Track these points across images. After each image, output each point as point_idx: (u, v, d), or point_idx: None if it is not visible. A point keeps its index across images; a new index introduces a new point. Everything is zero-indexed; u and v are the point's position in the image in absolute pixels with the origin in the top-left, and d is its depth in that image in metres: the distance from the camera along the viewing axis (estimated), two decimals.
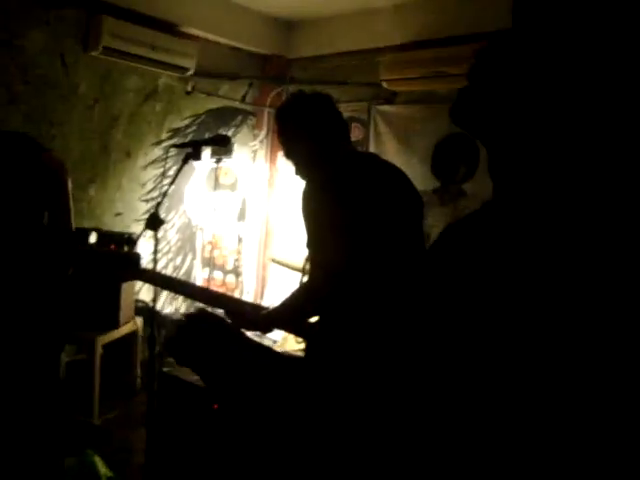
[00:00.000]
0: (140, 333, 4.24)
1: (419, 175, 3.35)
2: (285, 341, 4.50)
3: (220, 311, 2.19)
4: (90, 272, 3.61)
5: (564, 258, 0.67)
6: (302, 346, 2.50)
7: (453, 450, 0.71)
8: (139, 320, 4.24)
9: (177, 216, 5.10)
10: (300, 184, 2.17)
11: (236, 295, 5.23)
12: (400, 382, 0.78)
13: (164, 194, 2.55)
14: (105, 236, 3.88)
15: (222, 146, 2.78)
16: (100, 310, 3.84)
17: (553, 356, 0.65)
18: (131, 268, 2.08)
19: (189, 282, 4.43)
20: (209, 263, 5.23)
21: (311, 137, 1.99)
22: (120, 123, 4.56)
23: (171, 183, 2.54)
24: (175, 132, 4.97)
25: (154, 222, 2.42)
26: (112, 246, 3.82)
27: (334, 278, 1.91)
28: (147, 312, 4.25)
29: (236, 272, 5.47)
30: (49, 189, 2.79)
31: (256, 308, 2.34)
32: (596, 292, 0.64)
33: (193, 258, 5.29)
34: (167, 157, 4.57)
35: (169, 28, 4.58)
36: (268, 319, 2.21)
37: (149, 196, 4.80)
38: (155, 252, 2.51)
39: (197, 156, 2.46)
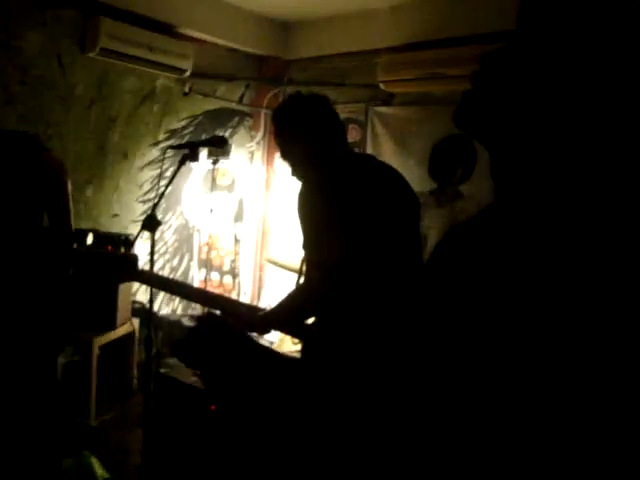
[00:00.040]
0: (137, 334, 4.23)
1: (416, 176, 3.36)
2: (282, 342, 4.50)
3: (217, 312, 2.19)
4: (87, 273, 3.61)
5: (565, 260, 0.67)
6: (299, 347, 2.50)
7: (453, 450, 0.71)
8: (136, 321, 4.23)
9: (174, 217, 5.10)
10: (297, 185, 2.17)
11: (233, 296, 5.23)
12: (400, 382, 0.79)
13: (161, 195, 2.55)
14: (102, 237, 3.87)
15: (219, 147, 2.78)
16: (97, 311, 3.83)
17: (556, 357, 0.65)
18: (128, 269, 2.08)
19: (186, 283, 4.44)
20: (206, 264, 5.23)
21: (307, 138, 1.99)
22: (117, 124, 4.56)
23: (168, 184, 2.54)
24: (172, 133, 4.97)
25: (151, 223, 2.42)
26: (109, 247, 3.82)
27: (330, 279, 1.91)
28: (144, 313, 4.25)
29: (233, 273, 5.47)
30: (49, 189, 2.79)
31: (253, 309, 2.34)
32: (600, 293, 0.65)
33: (190, 259, 5.28)
34: (164, 158, 4.56)
35: (166, 29, 4.58)
36: (265, 320, 2.21)
37: (146, 197, 4.80)
38: (152, 253, 2.50)
39: (194, 157, 2.46)
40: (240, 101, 5.48)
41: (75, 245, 3.13)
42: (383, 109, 4.85)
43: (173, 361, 3.72)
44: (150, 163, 4.81)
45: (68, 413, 3.54)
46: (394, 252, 1.82)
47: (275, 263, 4.93)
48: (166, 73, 4.68)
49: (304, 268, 2.20)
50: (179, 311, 5.15)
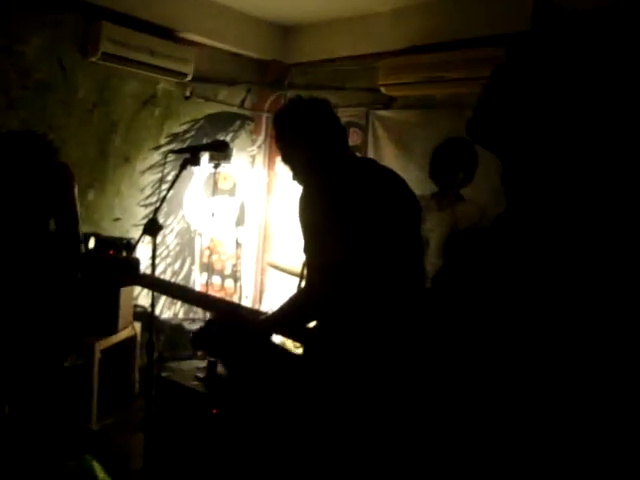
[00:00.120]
0: (138, 338, 4.23)
1: (417, 180, 3.35)
2: (283, 346, 4.50)
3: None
4: (89, 277, 3.61)
5: (576, 269, 0.68)
6: (300, 351, 2.50)
7: (453, 449, 0.71)
8: (137, 325, 4.24)
9: (176, 221, 5.10)
10: (298, 189, 2.17)
11: (234, 300, 5.23)
12: (400, 383, 0.79)
13: (163, 199, 2.55)
14: (104, 241, 3.88)
15: (220, 152, 2.79)
16: (99, 315, 3.83)
17: (559, 358, 0.65)
18: (130, 273, 2.08)
19: (187, 287, 4.43)
20: (207, 268, 5.23)
21: (308, 143, 1.99)
22: (119, 128, 4.57)
23: (169, 188, 2.55)
24: (174, 137, 4.98)
25: (152, 227, 2.42)
26: (111, 251, 3.82)
27: (331, 283, 1.91)
28: (146, 317, 4.25)
29: (234, 277, 5.47)
30: (57, 195, 2.81)
31: (254, 313, 2.34)
32: (613, 300, 0.65)
33: (192, 263, 5.28)
34: (166, 162, 4.57)
35: (167, 34, 4.59)
36: (266, 324, 2.21)
37: (148, 201, 4.81)
38: (153, 257, 2.51)
39: (195, 161, 2.46)
40: (241, 105, 5.48)
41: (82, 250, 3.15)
42: (384, 113, 4.86)
43: (174, 365, 3.72)
44: (152, 167, 4.81)
45: (70, 417, 3.54)
46: (395, 256, 1.82)
47: (276, 267, 4.93)
48: (167, 77, 4.69)
49: (305, 272, 2.20)
50: (181, 315, 5.15)
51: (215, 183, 5.05)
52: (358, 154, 4.47)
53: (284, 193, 5.46)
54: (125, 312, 4.02)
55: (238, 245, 5.49)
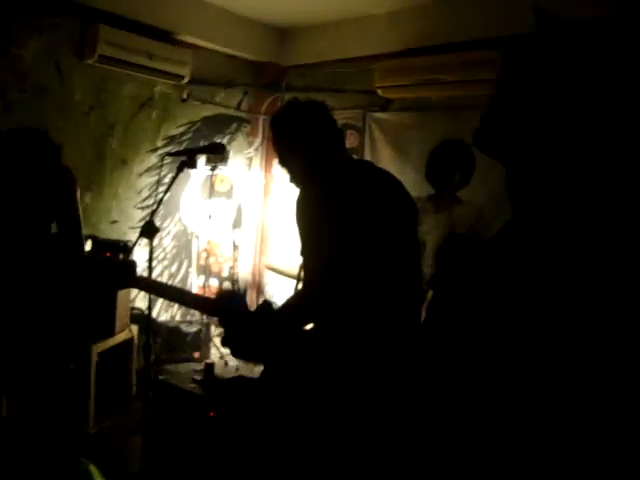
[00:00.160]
0: (136, 341, 4.22)
1: (414, 182, 3.36)
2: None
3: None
4: (86, 280, 3.61)
5: (585, 276, 0.68)
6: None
7: (453, 448, 0.71)
8: (135, 328, 4.23)
9: (173, 224, 5.10)
10: (295, 192, 2.18)
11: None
12: (400, 384, 0.79)
13: (159, 202, 2.56)
14: (101, 244, 3.88)
15: (217, 154, 2.79)
16: (96, 318, 3.83)
17: (561, 360, 0.66)
18: (127, 276, 2.08)
19: (185, 290, 4.43)
20: (205, 270, 5.23)
21: (305, 145, 2.00)
22: (116, 131, 4.57)
23: (166, 191, 2.55)
24: (171, 140, 4.98)
25: (149, 230, 2.42)
26: (107, 254, 3.82)
27: (329, 286, 1.91)
28: (143, 320, 4.25)
29: (232, 279, 5.47)
30: (60, 199, 2.81)
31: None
32: (623, 308, 0.65)
33: (189, 265, 5.28)
34: (163, 165, 4.56)
35: (164, 36, 4.59)
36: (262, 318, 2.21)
37: (145, 204, 4.81)
38: (150, 260, 2.51)
39: (192, 164, 2.47)
40: (238, 107, 5.49)
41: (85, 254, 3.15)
42: (381, 115, 4.86)
43: (172, 367, 3.72)
44: (149, 170, 4.81)
45: (67, 420, 3.53)
46: (392, 258, 1.82)
47: (274, 269, 4.93)
48: (164, 80, 4.69)
49: (302, 274, 2.20)
50: (178, 317, 5.15)
51: (212, 185, 5.06)
52: (355, 156, 4.48)
53: (281, 195, 5.46)
54: (122, 315, 4.01)
55: (235, 247, 5.49)
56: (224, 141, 5.32)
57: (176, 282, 5.14)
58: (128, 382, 4.24)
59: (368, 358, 0.91)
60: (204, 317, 4.81)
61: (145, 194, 4.81)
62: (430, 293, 2.54)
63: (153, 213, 2.46)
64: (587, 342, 0.65)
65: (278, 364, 1.05)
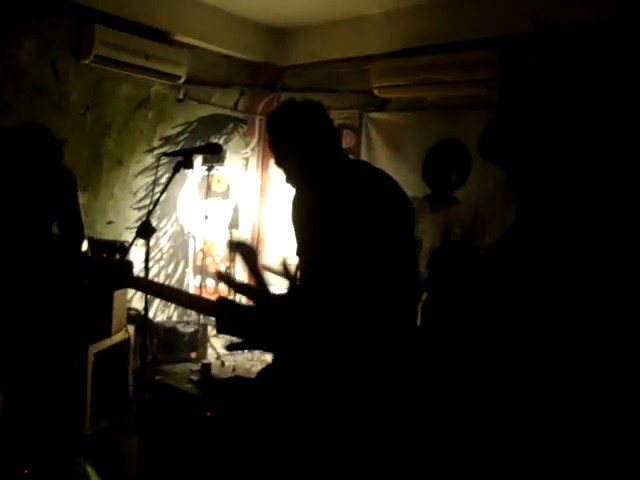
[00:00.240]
0: (132, 341, 4.22)
1: (410, 182, 3.36)
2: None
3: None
4: (89, 281, 3.60)
5: (591, 280, 0.69)
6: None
7: (453, 448, 0.72)
8: (131, 328, 4.22)
9: (169, 224, 5.09)
10: (291, 192, 2.18)
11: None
12: (400, 384, 0.79)
13: (156, 202, 2.55)
14: (97, 244, 3.87)
15: (214, 154, 2.79)
16: (92, 318, 3.82)
17: (562, 359, 0.66)
18: (123, 276, 2.07)
19: (181, 290, 4.42)
20: (201, 270, 5.23)
21: (302, 146, 2.00)
22: (112, 131, 4.56)
23: (163, 191, 2.55)
24: (167, 140, 4.97)
25: (146, 230, 2.42)
26: (104, 254, 3.81)
27: (325, 286, 1.91)
28: (139, 320, 4.24)
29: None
30: (62, 198, 2.80)
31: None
32: (629, 311, 0.66)
33: (185, 266, 5.28)
34: (159, 165, 4.56)
35: (161, 36, 4.59)
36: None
37: (141, 204, 4.80)
38: (147, 260, 2.51)
39: (189, 164, 2.47)
40: (234, 107, 5.49)
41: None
42: (377, 115, 4.87)
43: (168, 368, 3.72)
44: (145, 170, 4.81)
45: (63, 421, 3.53)
46: (388, 258, 1.83)
47: (270, 269, 4.93)
48: (161, 80, 4.69)
49: (299, 275, 2.20)
50: (174, 318, 5.14)
51: (208, 186, 5.05)
52: (351, 156, 4.48)
53: (278, 195, 5.46)
54: (118, 315, 4.01)
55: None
56: (220, 141, 5.32)
57: (173, 282, 5.14)
58: (125, 382, 4.23)
59: (365, 357, 0.91)
60: (201, 317, 4.80)
61: (141, 194, 4.81)
62: (425, 295, 2.54)
63: (149, 213, 2.46)
64: (587, 342, 0.66)
65: (278, 351, 1.06)
